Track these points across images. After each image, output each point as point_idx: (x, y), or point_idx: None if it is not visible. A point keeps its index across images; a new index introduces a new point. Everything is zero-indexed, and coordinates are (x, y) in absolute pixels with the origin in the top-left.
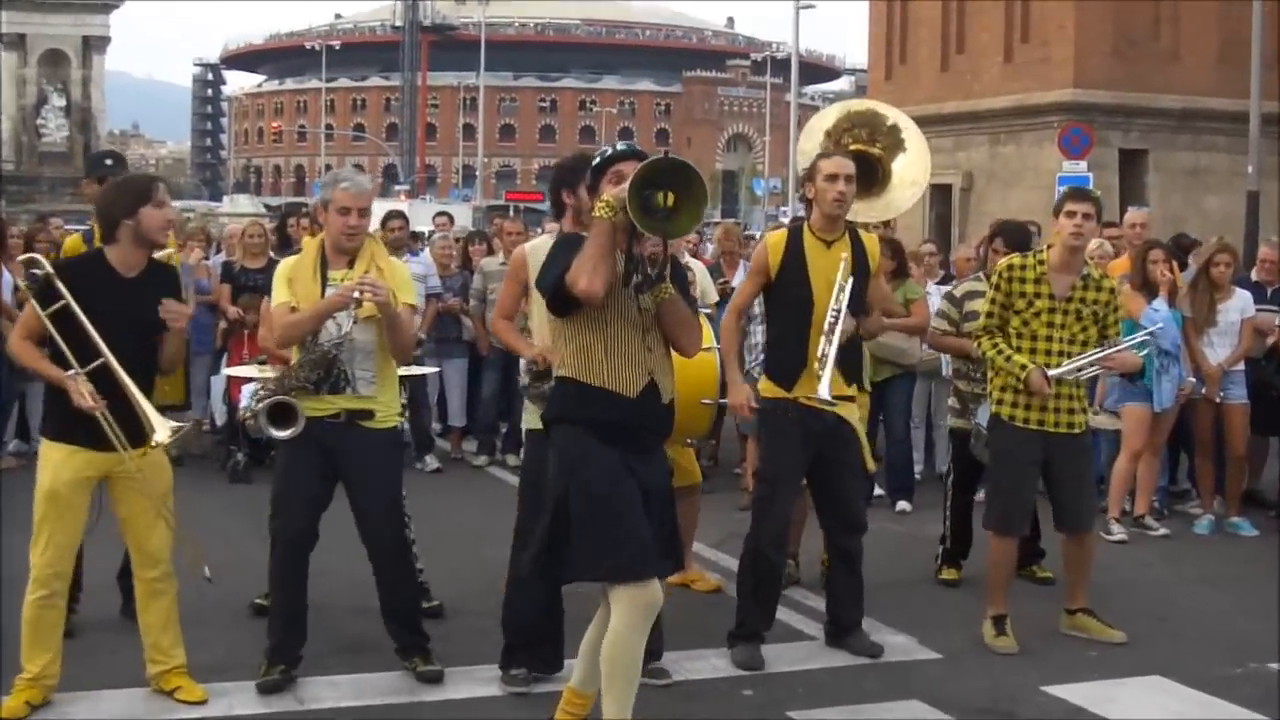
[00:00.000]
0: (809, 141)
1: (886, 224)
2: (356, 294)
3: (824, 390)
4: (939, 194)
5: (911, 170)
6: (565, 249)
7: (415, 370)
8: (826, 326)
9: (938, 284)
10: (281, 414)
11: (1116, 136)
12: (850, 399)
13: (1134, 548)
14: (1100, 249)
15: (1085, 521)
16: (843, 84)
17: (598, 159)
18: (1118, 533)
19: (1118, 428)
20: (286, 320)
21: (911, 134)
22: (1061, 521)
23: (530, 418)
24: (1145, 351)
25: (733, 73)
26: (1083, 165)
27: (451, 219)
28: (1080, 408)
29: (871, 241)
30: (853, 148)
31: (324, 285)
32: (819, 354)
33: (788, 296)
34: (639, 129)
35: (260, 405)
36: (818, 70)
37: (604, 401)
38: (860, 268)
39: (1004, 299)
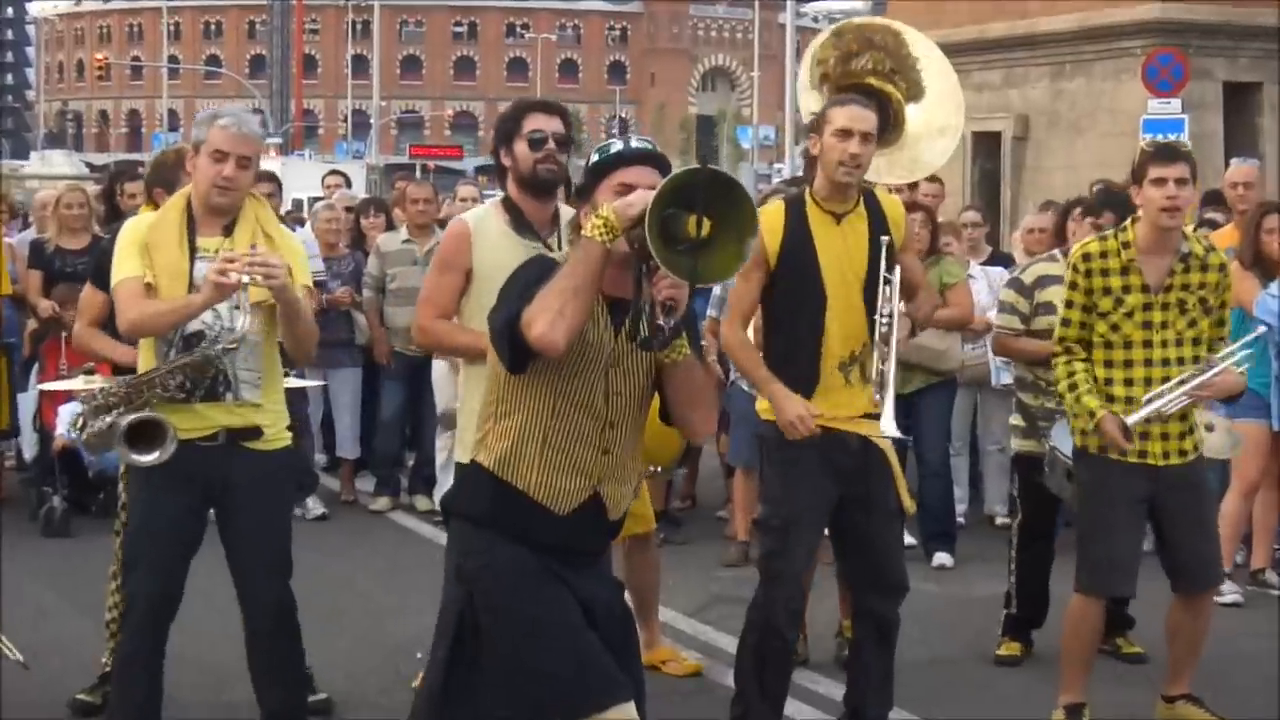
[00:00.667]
0: (811, 74)
1: (912, 186)
2: (245, 276)
3: (888, 424)
4: (984, 144)
5: (939, 113)
6: (530, 279)
7: (291, 383)
8: (879, 337)
9: (983, 264)
10: (144, 433)
11: (1220, 66)
12: (877, 416)
13: (1251, 612)
14: None
15: (1209, 577)
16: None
17: (598, 156)
18: (1230, 593)
19: (1226, 455)
20: (145, 308)
21: (933, 65)
22: (1178, 579)
23: (463, 448)
24: (1251, 352)
25: None
26: (1175, 104)
27: (348, 180)
28: (1190, 427)
29: (894, 206)
30: (872, 83)
31: (193, 256)
32: (875, 374)
33: (793, 290)
34: (585, 62)
35: (119, 422)
36: None
37: (523, 512)
38: (880, 248)
39: (1085, 299)
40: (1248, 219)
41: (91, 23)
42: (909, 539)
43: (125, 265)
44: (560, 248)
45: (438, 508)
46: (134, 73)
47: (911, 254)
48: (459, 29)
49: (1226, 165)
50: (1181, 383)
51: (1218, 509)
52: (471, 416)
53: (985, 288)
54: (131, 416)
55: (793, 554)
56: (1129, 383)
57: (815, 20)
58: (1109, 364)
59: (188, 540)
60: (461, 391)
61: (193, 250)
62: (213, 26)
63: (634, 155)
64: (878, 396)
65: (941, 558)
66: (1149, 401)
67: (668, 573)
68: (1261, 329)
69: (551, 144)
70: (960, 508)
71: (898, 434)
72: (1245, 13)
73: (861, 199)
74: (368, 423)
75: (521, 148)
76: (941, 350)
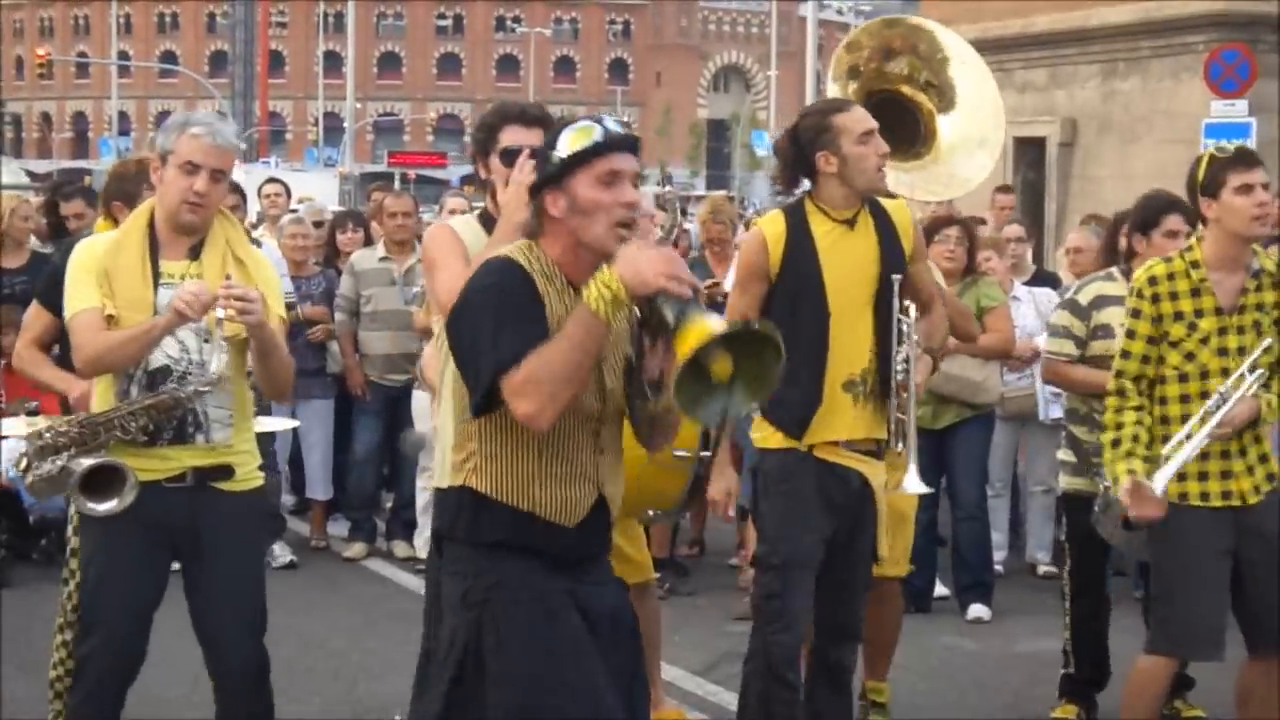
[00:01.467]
0: (838, 65)
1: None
2: (221, 310)
3: (912, 482)
4: (1027, 151)
5: (977, 125)
6: (506, 309)
7: (261, 424)
8: (895, 384)
9: (1027, 284)
10: (101, 479)
11: None
12: (878, 448)
13: None
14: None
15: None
16: None
17: (580, 140)
18: None
19: None
20: (103, 340)
21: (970, 72)
22: (1257, 638)
23: (442, 476)
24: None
25: None
26: (1241, 106)
27: (287, 190)
28: (1263, 454)
29: (900, 211)
30: (904, 90)
31: (156, 283)
32: (893, 422)
33: (795, 303)
34: (584, 60)
35: (72, 467)
36: None
37: (530, 532)
38: (891, 255)
39: (1152, 330)
40: None
41: (32, 14)
42: (942, 589)
43: (81, 295)
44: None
45: (418, 554)
46: (80, 70)
47: (923, 263)
48: (443, 23)
49: None
50: (1202, 420)
51: None
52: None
53: (1031, 311)
54: (87, 461)
55: (793, 594)
56: (1205, 417)
57: (840, 13)
58: (1185, 399)
59: (151, 596)
60: (438, 421)
61: (156, 276)
62: (168, 19)
63: (619, 140)
64: (899, 447)
65: (978, 610)
66: (1167, 460)
67: (673, 627)
68: None
69: (524, 160)
70: (999, 555)
71: (923, 489)
72: None
73: (865, 205)
74: (340, 461)
75: (496, 164)
76: (978, 381)
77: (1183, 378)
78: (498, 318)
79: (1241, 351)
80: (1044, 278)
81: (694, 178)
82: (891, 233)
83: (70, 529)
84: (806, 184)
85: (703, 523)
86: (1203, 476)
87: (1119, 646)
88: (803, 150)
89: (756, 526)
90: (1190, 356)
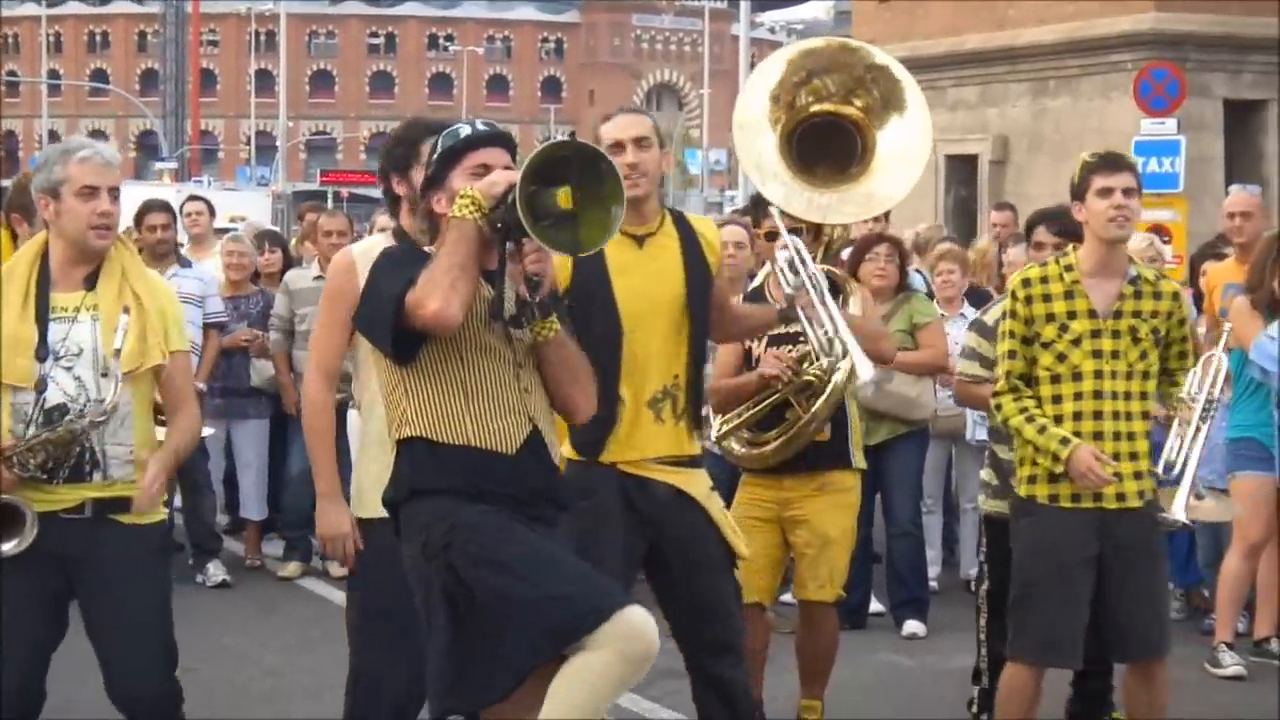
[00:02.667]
0: (749, 109)
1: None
2: (119, 339)
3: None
4: (959, 168)
5: (905, 140)
6: (395, 265)
7: None
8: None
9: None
10: (10, 520)
11: (1221, 82)
12: (691, 462)
13: (1255, 685)
14: (1150, 248)
15: (1156, 644)
16: (816, 9)
17: (448, 140)
18: (1230, 664)
19: (1228, 516)
20: None
21: (905, 83)
22: (1120, 646)
23: (364, 504)
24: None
25: None
26: (1171, 124)
27: (210, 209)
28: (1145, 469)
29: (705, 225)
30: (816, 109)
31: (45, 316)
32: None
33: (586, 322)
34: (517, 77)
35: None
36: None
37: (470, 465)
38: (695, 270)
39: (1025, 330)
40: (1258, 253)
41: None
42: (877, 605)
43: None
44: None
45: None
46: (9, 89)
47: (723, 280)
48: (375, 41)
49: (1227, 191)
50: (1193, 428)
51: (1212, 574)
52: (369, 476)
53: (963, 328)
54: None
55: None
56: (1078, 417)
57: (772, 31)
58: (1057, 399)
59: (48, 635)
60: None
61: (43, 308)
62: (98, 38)
63: (484, 137)
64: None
65: (912, 626)
66: (1182, 470)
67: None
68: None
69: None
70: (933, 571)
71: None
72: (1248, 24)
73: (667, 218)
74: (275, 480)
75: (419, 176)
76: (913, 397)
77: (1054, 379)
78: (397, 275)
79: (1115, 355)
80: (978, 295)
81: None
82: (697, 248)
83: None
84: None
85: None
86: (1073, 477)
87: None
88: None
89: None
90: (1061, 358)
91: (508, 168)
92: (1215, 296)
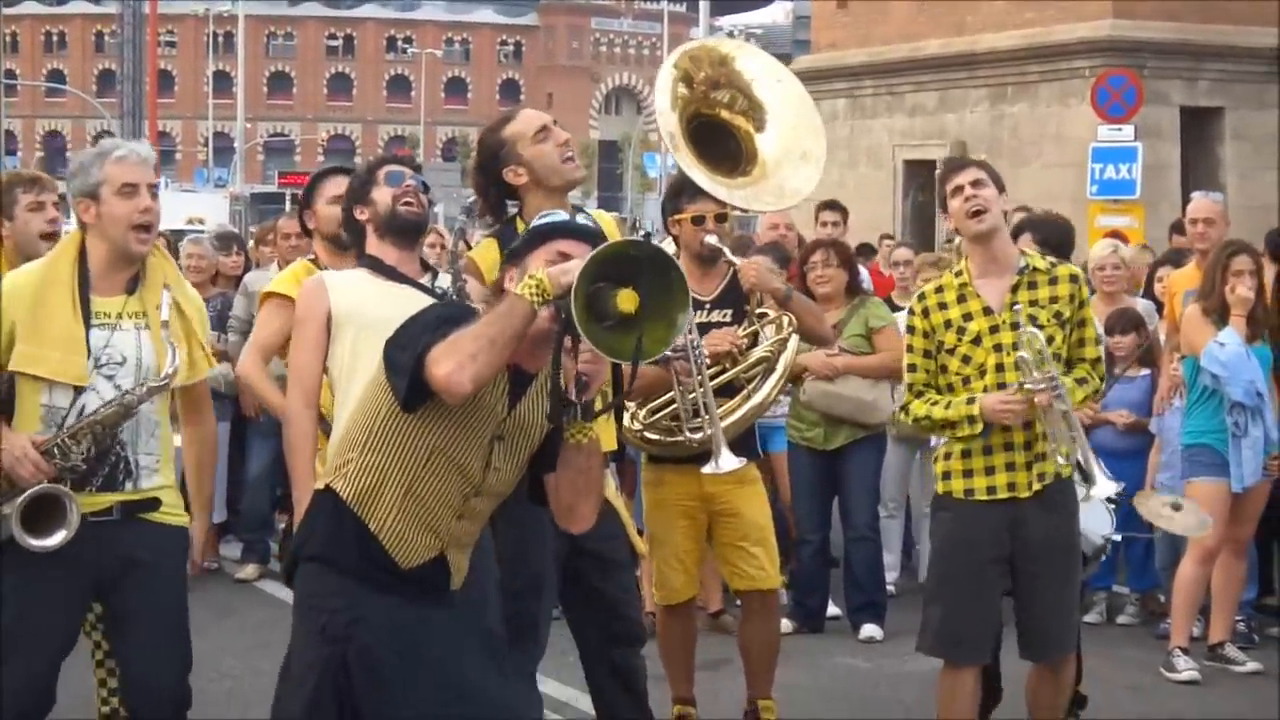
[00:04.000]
0: (662, 95)
1: (836, 221)
2: (165, 310)
3: (727, 460)
4: (917, 174)
5: (796, 140)
6: (447, 313)
7: None
8: (694, 363)
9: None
10: (41, 512)
11: (1177, 89)
12: (608, 459)
13: (1209, 690)
14: (1113, 254)
15: (1064, 643)
16: (774, 14)
17: (539, 222)
18: (1185, 669)
19: (1204, 531)
20: None
21: (782, 91)
22: (1031, 646)
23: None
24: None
25: None
26: (1128, 131)
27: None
28: (1054, 449)
29: (605, 221)
30: (724, 116)
31: (88, 323)
32: (688, 409)
33: None
34: (475, 80)
35: (6, 511)
36: None
37: (371, 555)
38: None
39: (926, 343)
40: (1211, 259)
41: None
42: (834, 610)
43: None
44: (435, 286)
45: None
46: None
47: (798, 295)
48: (333, 43)
49: (1184, 198)
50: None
51: (1168, 578)
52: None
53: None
54: (23, 497)
55: (537, 608)
56: None
57: (731, 34)
58: (970, 401)
59: (63, 631)
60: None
61: (86, 314)
62: (55, 38)
63: (576, 229)
64: (696, 435)
65: (870, 630)
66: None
67: (566, 645)
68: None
69: (410, 181)
70: (891, 575)
71: (735, 464)
72: (1205, 31)
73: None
74: (234, 482)
75: (381, 193)
76: (869, 401)
77: (965, 380)
78: (436, 327)
79: (1016, 346)
80: None
81: (586, 199)
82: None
83: None
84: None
85: None
86: (988, 470)
87: (1011, 666)
88: (490, 174)
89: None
90: (966, 359)
91: None
92: (1175, 303)
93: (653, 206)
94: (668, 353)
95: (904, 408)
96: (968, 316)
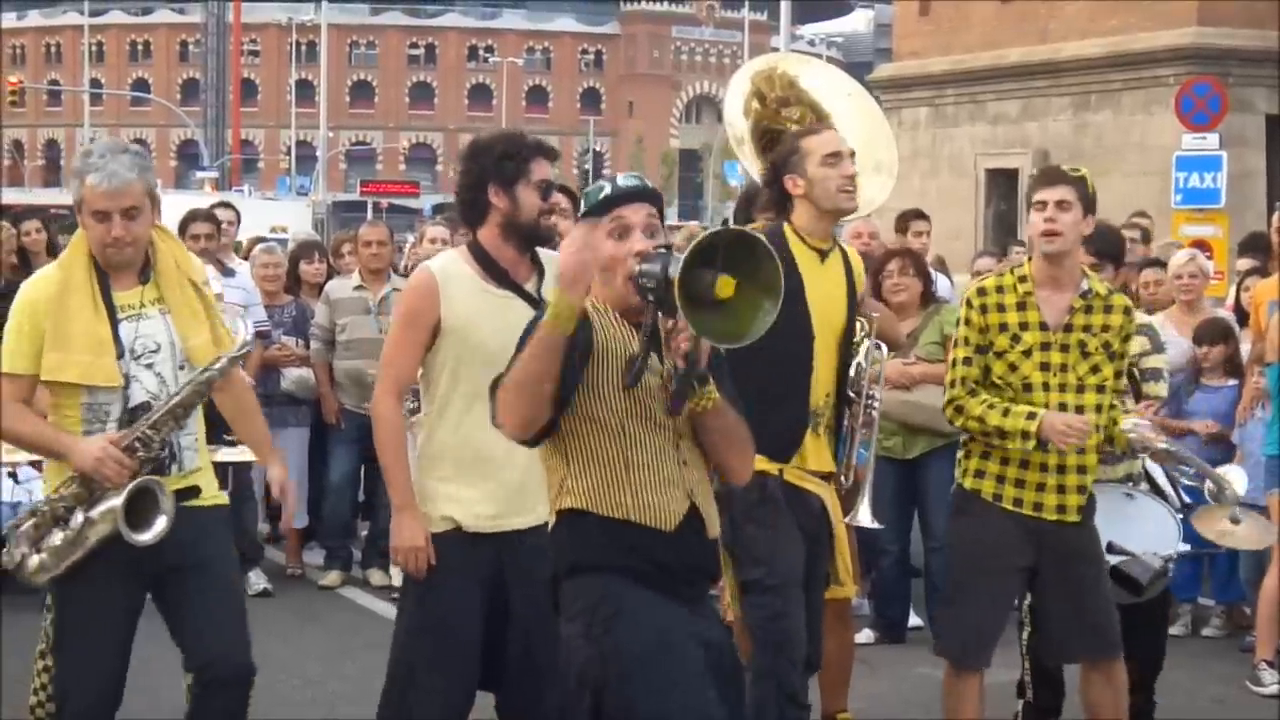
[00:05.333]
0: (733, 101)
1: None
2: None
3: (864, 515)
4: (999, 182)
5: (869, 151)
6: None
7: (234, 456)
8: (861, 420)
9: None
10: (135, 506)
11: (1262, 97)
12: (828, 477)
13: None
14: (1191, 263)
15: (1113, 642)
16: (856, 22)
17: (589, 202)
18: (1271, 682)
19: (1268, 542)
20: (18, 425)
21: (852, 102)
22: (1078, 644)
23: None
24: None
25: (694, 6)
26: (1213, 139)
27: (236, 214)
28: (1089, 483)
29: (856, 258)
30: (793, 129)
31: (113, 316)
32: (850, 463)
33: (779, 330)
34: (556, 89)
35: (97, 518)
36: (820, 2)
37: (629, 541)
38: (853, 295)
39: (979, 338)
40: None
41: (4, 42)
42: (915, 619)
43: (14, 352)
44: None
45: (394, 582)
46: (52, 98)
47: (871, 301)
48: (415, 52)
49: (1269, 207)
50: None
51: (1253, 591)
52: (429, 489)
53: None
54: (123, 496)
55: (797, 612)
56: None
57: (812, 43)
58: (1031, 417)
59: (124, 636)
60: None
61: (110, 307)
62: (140, 47)
63: (624, 194)
64: (844, 480)
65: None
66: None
67: None
68: None
69: (554, 195)
70: None
71: (873, 524)
72: None
73: (837, 245)
74: (316, 489)
75: (528, 195)
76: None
77: (1005, 388)
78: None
79: (1064, 369)
80: None
81: (667, 207)
82: (852, 274)
83: None
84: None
85: None
86: (1019, 484)
87: (1073, 672)
88: (777, 172)
89: (733, 552)
90: (1013, 368)
91: (650, 220)
92: (1260, 313)
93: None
94: (850, 393)
95: (954, 404)
96: (1024, 326)
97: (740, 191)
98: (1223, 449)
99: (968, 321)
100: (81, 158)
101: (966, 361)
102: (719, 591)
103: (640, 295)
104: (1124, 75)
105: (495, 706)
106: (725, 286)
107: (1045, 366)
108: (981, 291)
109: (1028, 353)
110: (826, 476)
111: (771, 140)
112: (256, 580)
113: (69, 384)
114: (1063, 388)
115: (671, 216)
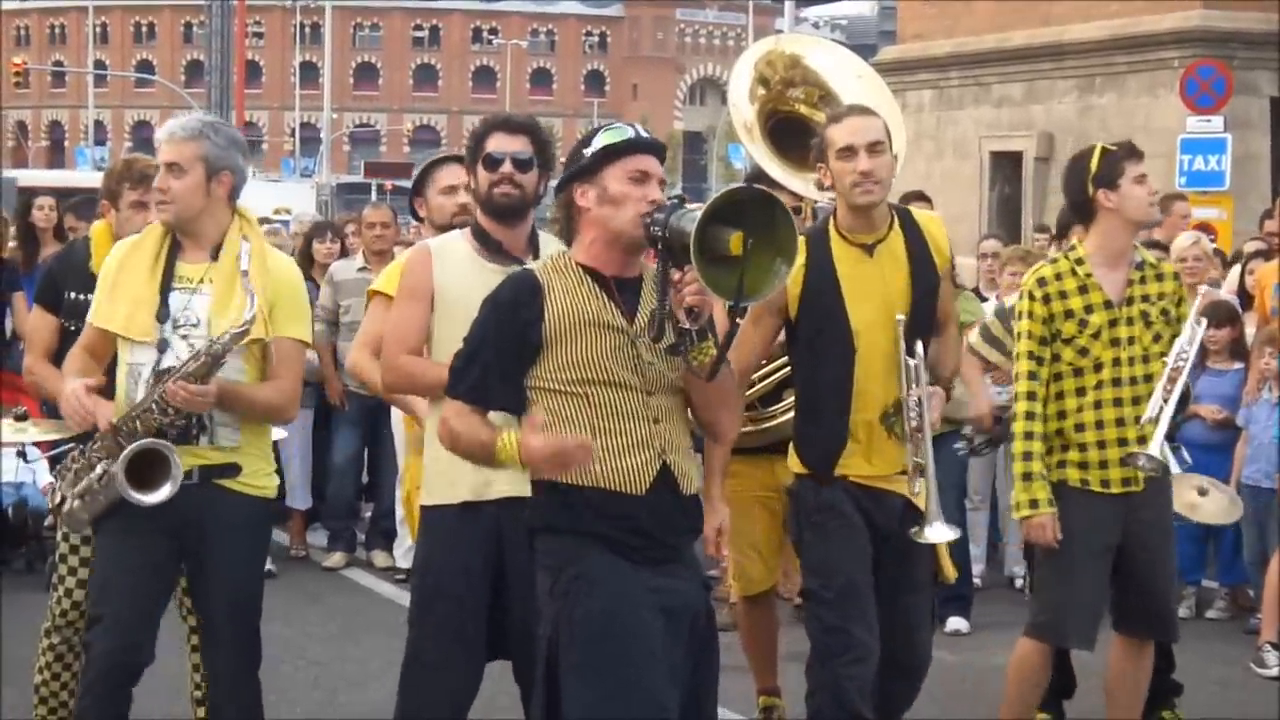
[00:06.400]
0: (739, 91)
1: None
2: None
3: (936, 531)
4: (1003, 165)
5: None
6: (487, 344)
7: None
8: (909, 428)
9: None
10: (145, 466)
11: (1267, 80)
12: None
13: None
14: (1196, 245)
15: (1166, 621)
16: (860, 5)
17: (613, 136)
18: (1275, 664)
19: (1233, 518)
20: (44, 370)
21: (862, 87)
22: (1139, 621)
23: (431, 491)
24: None
25: None
26: (1217, 122)
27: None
28: (1143, 437)
29: (933, 224)
30: (803, 111)
31: (168, 283)
32: (910, 465)
33: (816, 337)
34: (560, 71)
35: (112, 470)
36: None
37: (599, 506)
38: (923, 275)
39: (1044, 330)
40: None
41: (7, 23)
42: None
43: (95, 307)
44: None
45: (397, 564)
46: (56, 79)
47: (949, 282)
48: (419, 34)
49: (1274, 189)
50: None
51: (1259, 573)
52: (434, 466)
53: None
54: (127, 451)
55: (858, 623)
56: (1098, 405)
57: (816, 26)
58: (1080, 391)
59: (157, 592)
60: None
61: (169, 275)
62: (144, 28)
63: (649, 144)
64: (915, 490)
65: (956, 623)
66: (1154, 421)
67: None
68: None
69: (509, 165)
70: (977, 568)
71: (950, 535)
72: None
73: (896, 219)
74: (319, 470)
75: (480, 170)
76: (957, 395)
77: (1077, 372)
78: (475, 339)
79: (1131, 341)
80: None
81: (670, 190)
82: (924, 250)
83: (59, 535)
84: None
85: None
86: (1103, 465)
87: (1082, 655)
88: (813, 162)
89: (798, 550)
90: (1084, 352)
91: (662, 181)
92: (1265, 296)
93: None
94: (905, 407)
95: (1017, 402)
96: (1089, 308)
97: (744, 175)
98: (1229, 433)
99: (1030, 314)
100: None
101: (1030, 357)
102: (720, 573)
103: (650, 242)
104: (1129, 58)
105: (514, 672)
106: (737, 243)
107: (1115, 343)
108: (1041, 281)
109: (1096, 334)
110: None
111: (780, 122)
112: None
113: (113, 337)
114: (1131, 361)
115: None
